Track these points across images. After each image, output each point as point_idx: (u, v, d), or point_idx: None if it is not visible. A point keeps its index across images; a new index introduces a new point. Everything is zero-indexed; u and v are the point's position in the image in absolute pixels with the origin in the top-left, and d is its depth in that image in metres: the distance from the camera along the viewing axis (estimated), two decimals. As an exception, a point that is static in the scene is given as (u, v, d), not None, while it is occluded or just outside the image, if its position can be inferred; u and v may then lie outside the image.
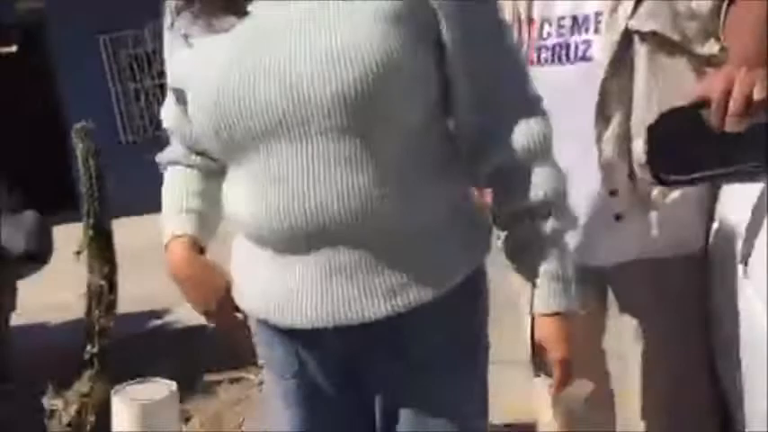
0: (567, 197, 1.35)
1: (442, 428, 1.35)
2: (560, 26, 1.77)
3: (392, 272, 1.24)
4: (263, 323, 1.38)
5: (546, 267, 1.31)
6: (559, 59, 1.76)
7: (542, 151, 1.30)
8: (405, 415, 1.36)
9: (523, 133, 1.29)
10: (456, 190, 1.32)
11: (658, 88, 1.70)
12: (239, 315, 1.40)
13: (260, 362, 1.52)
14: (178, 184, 1.44)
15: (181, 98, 1.35)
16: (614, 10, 1.69)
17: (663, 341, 1.96)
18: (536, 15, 1.81)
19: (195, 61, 1.28)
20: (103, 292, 2.87)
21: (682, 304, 1.92)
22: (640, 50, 1.68)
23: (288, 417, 1.46)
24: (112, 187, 3.03)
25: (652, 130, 1.41)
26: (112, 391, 1.39)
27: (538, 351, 1.38)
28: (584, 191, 1.79)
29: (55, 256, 2.56)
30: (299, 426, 1.46)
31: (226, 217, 1.38)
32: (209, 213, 1.41)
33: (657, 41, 1.67)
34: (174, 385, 1.36)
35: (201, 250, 1.40)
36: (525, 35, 1.81)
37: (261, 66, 1.21)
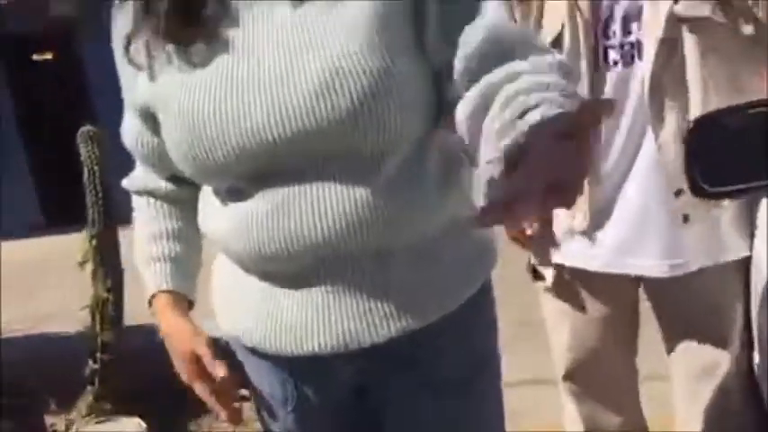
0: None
1: None
2: (627, 22, 1.66)
3: (397, 292, 1.16)
4: (252, 351, 1.25)
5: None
6: (632, 58, 1.66)
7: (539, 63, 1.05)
8: None
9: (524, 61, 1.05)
10: (457, 202, 1.21)
11: (713, 78, 1.61)
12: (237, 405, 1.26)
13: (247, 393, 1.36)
14: (151, 224, 1.32)
15: (147, 116, 1.21)
16: None
17: (711, 359, 1.82)
18: (601, 12, 1.68)
19: (164, 83, 1.15)
20: (107, 305, 2.72)
21: (734, 315, 1.80)
22: (689, 39, 1.59)
23: None
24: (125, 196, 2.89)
25: (691, 134, 1.25)
26: (75, 435, 1.24)
27: None
28: (649, 192, 1.71)
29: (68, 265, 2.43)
30: None
31: (205, 237, 1.27)
32: (189, 256, 1.30)
33: (707, 27, 1.57)
34: (142, 426, 1.21)
35: (190, 303, 1.29)
36: (590, 36, 1.68)
37: (247, 89, 1.09)
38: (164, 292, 1.26)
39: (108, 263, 2.82)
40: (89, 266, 2.79)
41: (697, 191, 1.25)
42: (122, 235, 2.97)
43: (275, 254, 1.13)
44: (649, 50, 1.61)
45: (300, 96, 1.07)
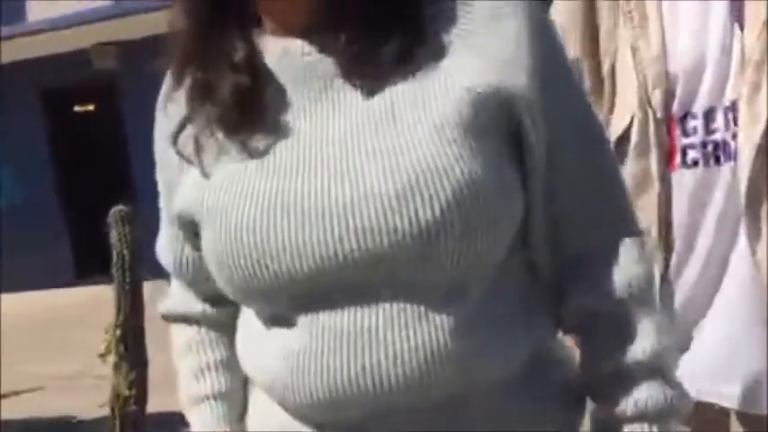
0: (677, 359, 1.03)
1: None
2: (710, 119, 1.51)
3: None
4: None
5: None
6: (716, 160, 1.50)
7: (643, 294, 1.00)
8: None
9: (620, 271, 1.00)
10: (542, 335, 1.03)
11: None
12: None
13: None
14: (195, 355, 1.17)
15: (186, 225, 1.05)
16: (754, 94, 1.45)
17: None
18: (676, 108, 1.52)
19: (210, 182, 0.99)
20: (128, 402, 2.51)
21: None
22: None
23: None
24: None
25: None
26: None
27: None
28: (739, 316, 1.53)
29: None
30: None
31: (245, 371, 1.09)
32: (240, 387, 1.14)
33: None
34: None
35: None
36: (662, 132, 1.53)
37: (305, 194, 0.92)
38: None
39: (133, 354, 2.62)
40: (111, 358, 2.59)
41: None
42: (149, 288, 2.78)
43: (320, 400, 0.94)
44: (746, 154, 1.45)
45: (373, 204, 0.89)
